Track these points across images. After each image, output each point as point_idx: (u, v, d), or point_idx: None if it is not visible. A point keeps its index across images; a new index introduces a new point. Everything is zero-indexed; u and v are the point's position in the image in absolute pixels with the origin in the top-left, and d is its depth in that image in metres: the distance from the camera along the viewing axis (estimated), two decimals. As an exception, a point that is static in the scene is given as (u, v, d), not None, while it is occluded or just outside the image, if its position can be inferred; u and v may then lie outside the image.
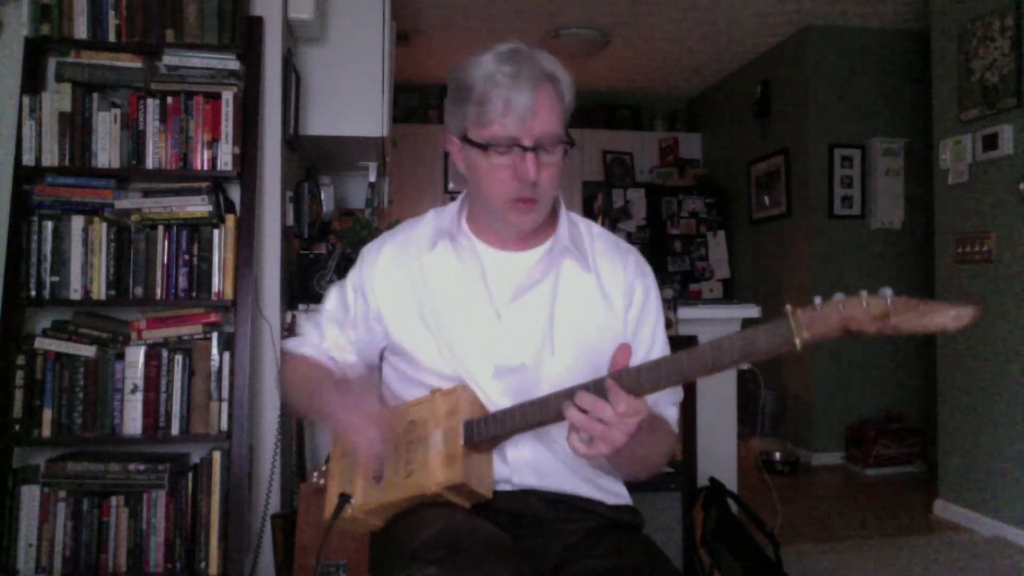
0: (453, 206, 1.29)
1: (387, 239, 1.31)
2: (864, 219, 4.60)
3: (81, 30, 2.25)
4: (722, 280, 5.56)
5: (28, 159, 2.21)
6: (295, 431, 2.44)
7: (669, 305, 2.54)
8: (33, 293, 2.20)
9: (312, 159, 3.27)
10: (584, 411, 0.97)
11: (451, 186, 5.76)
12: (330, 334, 1.31)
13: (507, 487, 1.19)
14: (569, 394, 0.99)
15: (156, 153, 2.27)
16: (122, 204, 2.25)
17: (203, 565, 2.20)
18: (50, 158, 2.22)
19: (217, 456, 2.22)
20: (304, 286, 2.57)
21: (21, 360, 2.17)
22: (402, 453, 1.14)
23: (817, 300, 0.84)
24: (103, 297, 2.23)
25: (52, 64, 2.28)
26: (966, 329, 0.77)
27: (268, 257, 2.49)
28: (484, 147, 1.12)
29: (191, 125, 2.29)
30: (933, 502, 3.52)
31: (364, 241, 2.00)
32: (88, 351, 2.21)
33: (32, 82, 2.25)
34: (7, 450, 2.17)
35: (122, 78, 2.27)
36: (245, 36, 2.37)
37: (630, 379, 0.96)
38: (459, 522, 1.06)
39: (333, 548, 1.97)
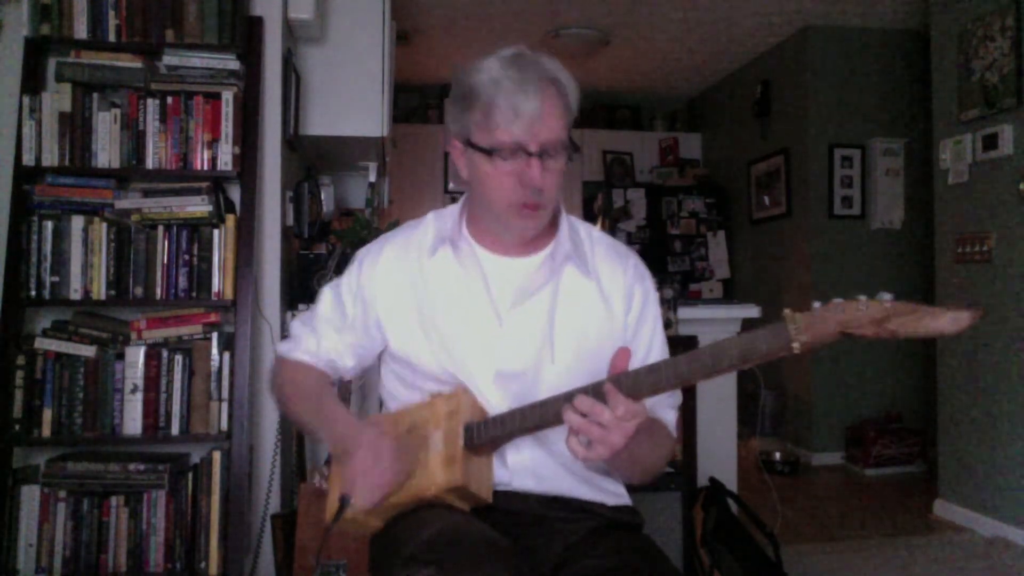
0: (453, 210, 1.28)
1: (385, 243, 1.30)
2: (864, 219, 4.60)
3: (81, 30, 2.25)
4: (722, 280, 5.56)
5: (28, 159, 2.21)
6: (295, 431, 2.44)
7: (669, 305, 2.54)
8: (33, 293, 2.20)
9: (312, 159, 3.27)
10: (583, 414, 0.97)
11: (451, 186, 5.76)
12: (327, 338, 1.29)
13: (507, 490, 1.19)
14: (568, 397, 1.00)
15: (156, 153, 2.27)
16: (122, 204, 2.25)
17: (203, 565, 2.20)
18: (50, 158, 2.22)
19: (217, 456, 2.22)
20: (304, 286, 2.57)
21: (21, 360, 2.17)
22: (402, 455, 1.14)
23: (816, 304, 0.85)
24: (103, 297, 2.23)
25: (52, 64, 2.28)
26: (963, 333, 0.77)
27: (268, 257, 2.49)
28: (489, 152, 1.12)
29: (191, 125, 2.29)
30: (933, 502, 3.52)
31: (364, 241, 1.99)
32: (88, 351, 2.21)
33: (32, 82, 2.25)
34: (7, 450, 2.17)
35: (122, 78, 2.27)
36: (245, 36, 2.37)
37: (629, 382, 0.96)
38: (458, 523, 1.06)
39: (333, 548, 1.97)
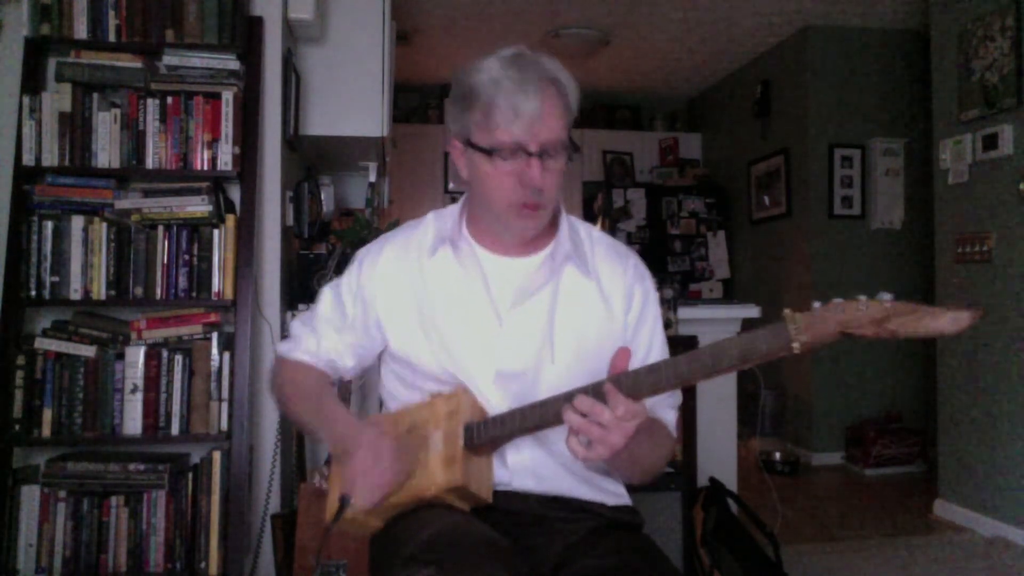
0: (453, 210, 1.28)
1: (385, 243, 1.30)
2: (864, 219, 4.60)
3: (81, 30, 2.25)
4: (722, 280, 5.56)
5: (28, 159, 2.21)
6: (295, 431, 2.44)
7: (669, 305, 2.54)
8: (33, 293, 2.20)
9: (312, 159, 3.27)
10: (583, 414, 0.97)
11: (451, 186, 5.76)
12: (327, 338, 1.29)
13: (507, 490, 1.19)
14: (568, 397, 1.00)
15: (156, 153, 2.27)
16: (122, 204, 2.25)
17: (203, 565, 2.20)
18: (50, 158, 2.22)
19: (217, 456, 2.22)
20: (304, 286, 2.57)
21: (21, 360, 2.17)
22: (402, 455, 1.14)
23: (815, 304, 0.85)
24: (103, 297, 2.23)
25: (52, 64, 2.28)
26: (963, 333, 0.77)
27: (268, 257, 2.49)
28: (489, 152, 1.12)
29: (191, 125, 2.29)
30: (933, 502, 3.52)
31: (364, 241, 1.99)
32: (88, 351, 2.21)
33: (32, 82, 2.25)
34: (7, 450, 2.17)
35: (122, 78, 2.27)
36: (245, 36, 2.37)
37: (629, 382, 0.96)
38: (458, 523, 1.07)
39: (333, 548, 1.97)
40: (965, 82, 3.30)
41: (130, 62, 2.27)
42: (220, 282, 2.27)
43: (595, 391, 0.98)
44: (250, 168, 2.33)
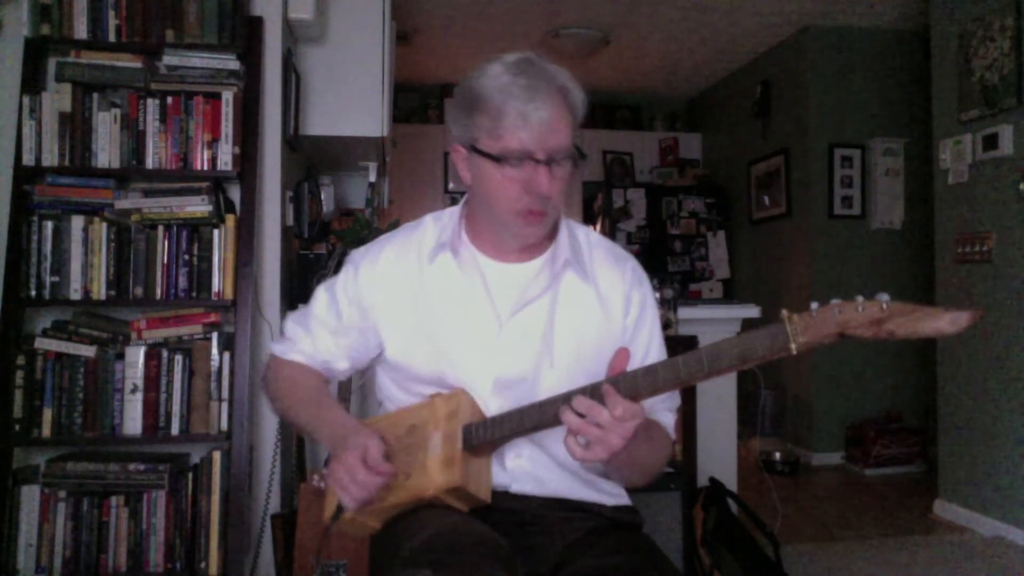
0: (451, 213, 1.27)
1: (384, 247, 1.29)
2: (864, 219, 4.60)
3: (81, 30, 2.25)
4: (722, 280, 5.56)
5: (28, 159, 2.21)
6: (295, 431, 2.44)
7: (669, 305, 2.54)
8: (33, 293, 2.20)
9: (312, 159, 3.27)
10: (581, 415, 0.97)
11: (451, 186, 5.76)
12: (321, 340, 1.28)
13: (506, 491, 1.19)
14: (567, 398, 1.00)
15: (156, 153, 2.27)
16: (122, 204, 2.25)
17: (203, 565, 2.20)
18: (50, 158, 2.22)
19: (217, 456, 2.22)
20: (304, 286, 2.57)
21: (21, 360, 2.17)
22: (401, 456, 1.14)
23: (814, 305, 0.85)
24: (103, 297, 2.23)
25: (52, 64, 2.27)
26: (962, 333, 0.77)
27: (268, 257, 2.49)
28: (498, 159, 1.11)
29: (191, 125, 2.29)
30: (933, 502, 3.52)
31: (364, 241, 1.99)
32: (88, 351, 2.21)
33: (32, 82, 2.25)
34: (7, 450, 2.17)
35: (122, 78, 2.27)
36: (245, 36, 2.37)
37: (627, 383, 0.96)
38: (456, 524, 1.06)
39: (333, 548, 1.97)
40: (965, 82, 3.30)
41: (130, 62, 2.27)
42: (220, 282, 2.27)
43: (593, 392, 0.98)
44: (250, 168, 2.33)
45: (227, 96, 2.29)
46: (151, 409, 2.22)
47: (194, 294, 2.27)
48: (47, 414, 2.18)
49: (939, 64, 3.51)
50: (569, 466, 1.20)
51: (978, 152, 3.24)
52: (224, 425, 2.24)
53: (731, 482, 2.76)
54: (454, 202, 1.34)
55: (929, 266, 3.74)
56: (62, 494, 2.18)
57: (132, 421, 2.22)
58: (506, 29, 4.62)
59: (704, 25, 4.59)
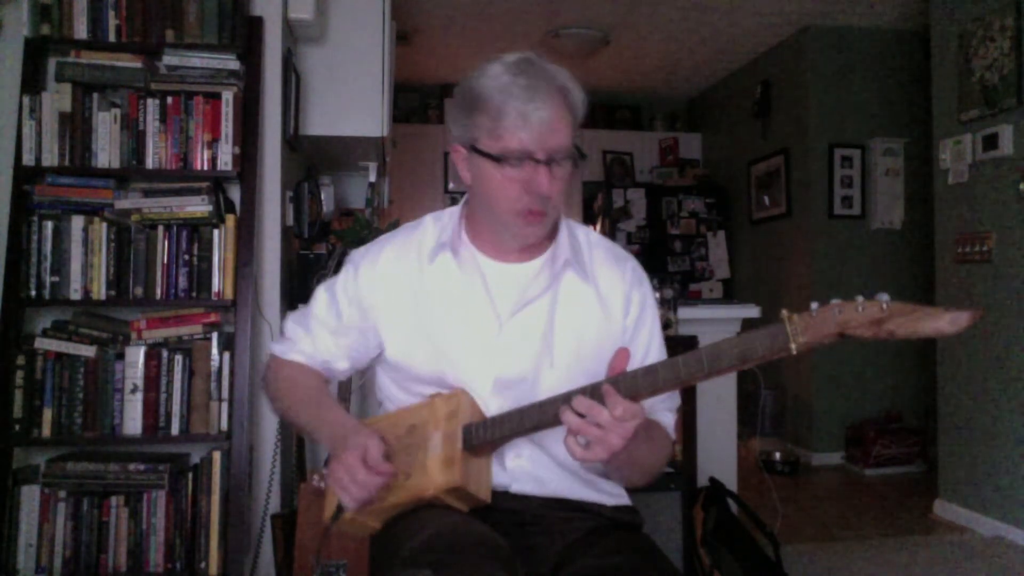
0: (451, 213, 1.27)
1: (384, 247, 1.29)
2: (864, 219, 4.60)
3: (81, 30, 2.25)
4: (722, 280, 5.56)
5: (28, 159, 2.21)
6: (295, 431, 2.44)
7: (669, 305, 2.54)
8: (33, 293, 2.20)
9: (312, 159, 3.27)
10: (581, 415, 0.97)
11: (451, 186, 5.76)
12: (321, 340, 1.29)
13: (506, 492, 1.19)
14: (567, 398, 1.00)
15: (156, 153, 2.27)
16: (122, 204, 2.25)
17: (203, 565, 2.20)
18: (50, 158, 2.22)
19: (217, 456, 2.22)
20: (304, 286, 2.57)
21: (21, 360, 2.17)
22: (401, 456, 1.14)
23: (814, 305, 0.85)
24: (103, 297, 2.23)
25: (52, 64, 2.27)
26: (962, 333, 0.77)
27: (268, 257, 2.49)
28: (498, 159, 1.11)
29: (191, 125, 2.29)
30: (933, 502, 3.52)
31: (364, 241, 1.99)
32: (88, 351, 2.21)
33: (32, 82, 2.25)
34: (7, 450, 2.17)
35: (122, 78, 2.27)
36: (245, 36, 2.37)
37: (627, 383, 0.96)
38: (456, 524, 1.06)
39: (333, 548, 1.97)
40: (965, 82, 3.30)
41: (130, 62, 2.27)
42: (220, 282, 2.27)
43: (593, 392, 0.98)
44: (250, 168, 2.33)
45: (227, 96, 2.29)
46: (151, 409, 2.22)
47: (194, 294, 2.27)
48: (47, 414, 2.18)
49: (939, 64, 3.51)
50: (569, 466, 1.20)
51: (978, 152, 3.24)
52: (224, 425, 2.24)
53: (731, 482, 2.76)
54: (454, 202, 1.34)
55: (929, 266, 3.74)
56: (62, 494, 2.18)
57: (132, 421, 2.22)
58: (506, 29, 4.62)
59: (704, 25, 4.59)
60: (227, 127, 2.29)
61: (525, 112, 1.09)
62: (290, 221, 2.66)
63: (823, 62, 4.57)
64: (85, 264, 2.22)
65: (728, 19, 4.48)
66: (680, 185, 5.73)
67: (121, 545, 2.19)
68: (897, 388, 4.57)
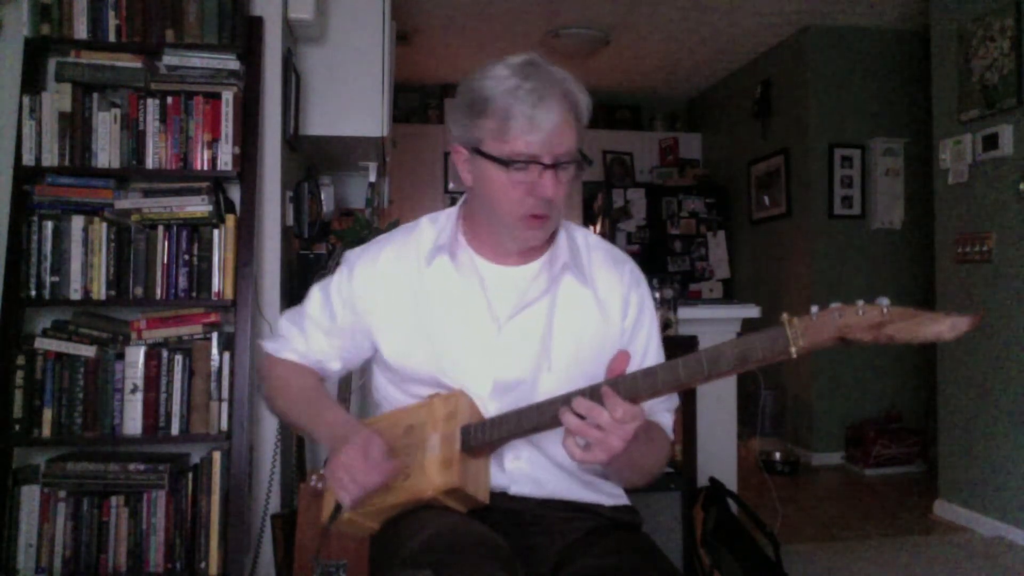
0: (448, 215, 1.27)
1: (383, 246, 1.28)
2: (864, 219, 4.60)
3: (81, 30, 2.25)
4: (722, 280, 5.56)
5: (28, 159, 2.21)
6: (294, 431, 2.44)
7: (669, 305, 2.54)
8: (33, 293, 2.20)
9: (312, 159, 3.27)
10: (581, 417, 0.97)
11: (451, 186, 5.76)
12: (315, 340, 1.28)
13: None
14: (566, 400, 1.00)
15: (156, 153, 2.27)
16: (122, 204, 2.25)
17: (203, 565, 2.20)
18: (50, 158, 2.22)
19: (217, 456, 2.22)
20: (304, 286, 2.55)
21: (21, 360, 2.17)
22: (399, 457, 1.14)
23: (814, 309, 0.84)
24: (103, 297, 2.23)
25: (52, 64, 2.27)
26: (962, 338, 0.77)
27: (268, 257, 2.49)
28: (505, 163, 1.11)
29: (191, 125, 2.29)
30: (933, 502, 3.52)
31: (364, 241, 1.99)
32: (88, 351, 2.21)
33: (32, 82, 2.25)
34: (7, 450, 2.17)
35: (122, 78, 2.26)
36: (245, 36, 2.37)
37: (627, 385, 0.96)
38: (456, 524, 1.06)
39: (333, 548, 1.97)
40: (965, 82, 3.30)
41: (130, 62, 2.27)
42: (220, 282, 2.27)
43: (593, 393, 0.98)
44: (250, 168, 2.33)
45: (227, 96, 2.29)
46: (151, 409, 2.22)
47: (194, 294, 2.27)
48: (47, 414, 2.18)
49: (939, 64, 3.51)
50: (567, 467, 1.20)
51: (978, 152, 3.24)
52: (224, 425, 2.24)
53: (731, 482, 2.76)
54: (454, 202, 1.33)
55: (929, 266, 3.74)
56: (62, 494, 2.18)
57: (132, 421, 2.22)
58: (506, 29, 4.62)
59: (704, 25, 4.58)
60: (227, 127, 2.29)
61: (533, 116, 1.08)
62: (290, 221, 2.66)
63: (823, 62, 4.57)
64: (85, 264, 2.22)
65: (728, 19, 4.48)
66: (680, 185, 5.73)
67: (121, 545, 2.19)
68: (897, 388, 4.57)
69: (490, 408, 1.16)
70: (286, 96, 2.54)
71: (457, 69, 5.33)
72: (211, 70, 2.32)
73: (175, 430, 2.23)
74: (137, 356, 2.22)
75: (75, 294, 2.21)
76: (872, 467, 4.23)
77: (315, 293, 1.31)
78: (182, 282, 2.26)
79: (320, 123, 2.82)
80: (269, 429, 2.43)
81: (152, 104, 2.27)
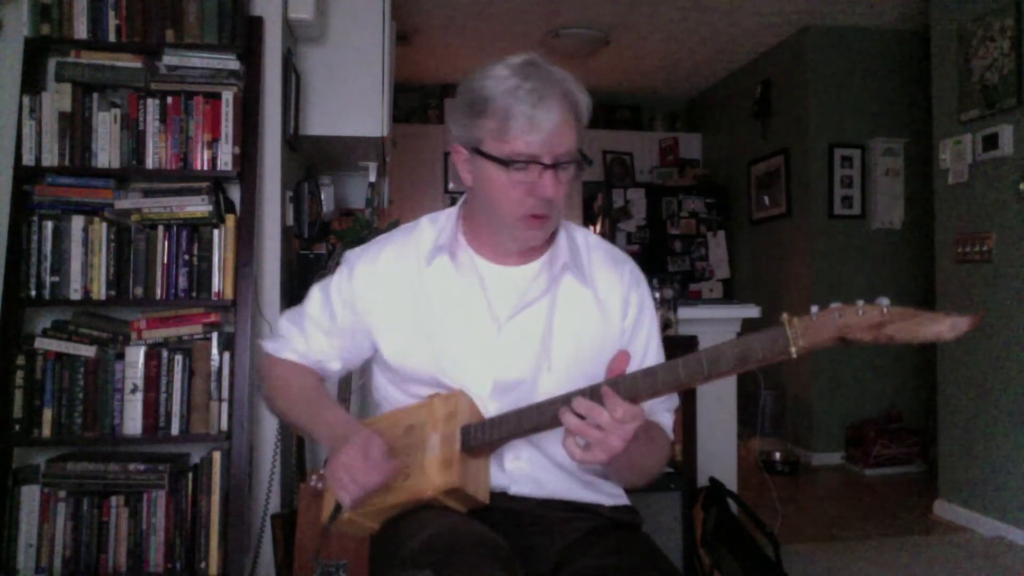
0: (449, 215, 1.27)
1: (383, 246, 1.28)
2: (864, 219, 4.60)
3: (81, 30, 2.25)
4: (722, 280, 5.56)
5: (28, 159, 2.21)
6: (294, 431, 2.44)
7: (669, 305, 2.54)
8: (33, 293, 2.20)
9: (312, 159, 3.27)
10: (581, 417, 0.97)
11: (451, 186, 5.76)
12: (315, 340, 1.28)
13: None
14: (566, 400, 1.00)
15: (156, 153, 2.27)
16: (122, 204, 2.25)
17: (203, 565, 2.20)
18: (50, 158, 2.22)
19: (217, 456, 2.22)
20: (304, 286, 2.55)
21: (21, 360, 2.17)
22: (399, 457, 1.14)
23: (814, 309, 0.84)
24: (103, 297, 2.23)
25: (52, 64, 2.27)
26: (962, 338, 0.77)
27: (268, 257, 2.49)
28: (505, 163, 1.11)
29: (191, 125, 2.29)
30: (933, 502, 3.52)
31: (364, 241, 1.99)
32: (88, 351, 2.21)
33: (32, 82, 2.25)
34: (7, 450, 2.17)
35: (122, 78, 2.26)
36: (245, 36, 2.37)
37: (627, 385, 0.96)
38: (456, 524, 1.06)
39: (333, 548, 1.97)
40: (965, 82, 3.30)
41: (130, 62, 2.27)
42: (220, 282, 2.27)
43: (593, 393, 0.98)
44: (250, 168, 2.33)
45: (227, 96, 2.29)
46: (151, 409, 2.22)
47: (194, 294, 2.27)
48: (47, 414, 2.18)
49: (939, 64, 3.51)
50: (567, 467, 1.20)
51: (978, 152, 3.24)
52: (224, 425, 2.24)
53: (731, 482, 2.76)
54: (454, 202, 1.33)
55: (929, 266, 3.74)
56: (62, 494, 2.18)
57: (132, 421, 2.22)
58: (506, 29, 4.62)
59: (704, 25, 4.58)
60: (227, 127, 2.29)
61: (533, 116, 1.08)
62: (290, 221, 2.66)
63: (823, 62, 4.57)
64: (85, 264, 2.22)
65: (728, 19, 4.48)
66: (680, 185, 5.72)
67: (121, 545, 2.19)
68: (897, 388, 4.57)
69: (490, 408, 1.16)
70: (286, 96, 2.54)
71: (457, 69, 5.33)
72: (211, 70, 2.32)
73: (175, 430, 2.23)
74: (137, 356, 2.22)
75: (75, 294, 2.21)
76: (872, 467, 4.23)
77: (315, 293, 1.31)
78: (182, 282, 2.26)
79: (320, 123, 2.82)
80: (269, 429, 2.43)
81: (152, 104, 2.27)
